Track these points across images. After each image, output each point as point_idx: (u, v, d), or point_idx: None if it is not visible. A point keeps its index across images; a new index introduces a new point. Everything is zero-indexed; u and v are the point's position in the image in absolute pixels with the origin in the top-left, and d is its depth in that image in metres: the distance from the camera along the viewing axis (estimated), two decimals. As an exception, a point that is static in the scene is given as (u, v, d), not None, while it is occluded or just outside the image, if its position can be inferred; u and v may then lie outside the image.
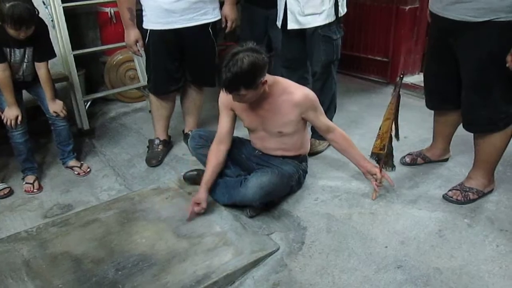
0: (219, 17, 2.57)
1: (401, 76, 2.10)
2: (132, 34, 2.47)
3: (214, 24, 2.57)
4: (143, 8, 2.46)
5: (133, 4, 2.44)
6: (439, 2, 1.97)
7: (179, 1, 2.35)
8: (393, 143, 2.27)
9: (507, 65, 1.80)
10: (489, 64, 1.88)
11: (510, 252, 1.83)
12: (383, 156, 2.19)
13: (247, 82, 1.83)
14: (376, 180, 2.17)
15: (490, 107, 1.97)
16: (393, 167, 2.32)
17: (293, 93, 2.03)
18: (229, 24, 2.64)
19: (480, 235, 1.94)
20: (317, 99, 2.10)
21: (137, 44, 2.50)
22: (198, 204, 2.06)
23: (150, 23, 2.45)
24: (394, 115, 2.15)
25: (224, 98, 2.07)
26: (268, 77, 1.94)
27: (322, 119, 2.14)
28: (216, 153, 2.15)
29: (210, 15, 2.49)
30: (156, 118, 2.79)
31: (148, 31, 2.46)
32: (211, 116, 3.12)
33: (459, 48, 1.98)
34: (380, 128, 2.20)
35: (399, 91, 2.11)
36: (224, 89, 1.87)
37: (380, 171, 2.16)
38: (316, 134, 2.61)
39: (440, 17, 1.99)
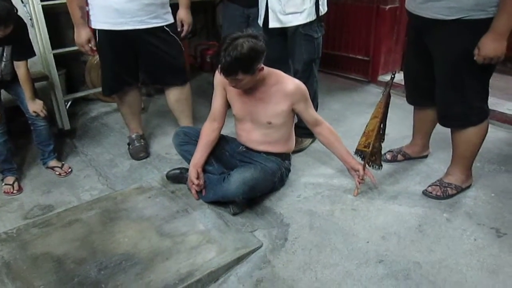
0: (170, 22, 2.48)
1: (393, 76, 2.12)
2: (83, 33, 2.40)
3: (172, 24, 2.50)
4: (89, 6, 2.38)
5: (84, 2, 2.38)
6: (413, 0, 2.02)
7: (131, 1, 2.28)
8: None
9: (474, 58, 1.86)
10: (461, 61, 1.93)
11: (488, 246, 1.87)
12: (368, 154, 2.19)
13: (245, 66, 1.87)
14: (359, 177, 2.19)
15: (464, 103, 2.02)
16: (380, 166, 2.30)
17: (286, 83, 2.09)
18: (185, 28, 2.58)
19: (458, 229, 1.98)
20: (307, 91, 2.14)
21: (90, 43, 2.43)
22: (193, 184, 2.16)
23: (98, 22, 2.37)
24: (382, 114, 2.15)
25: (220, 76, 2.05)
26: (264, 67, 2.00)
27: (311, 112, 2.19)
28: (208, 130, 2.21)
29: (161, 19, 2.42)
30: (124, 116, 2.78)
31: (97, 31, 2.40)
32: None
33: (432, 45, 2.03)
34: (366, 126, 2.22)
35: (389, 91, 2.12)
36: (221, 73, 1.90)
37: (364, 168, 2.18)
38: (299, 131, 2.64)
39: (415, 15, 2.04)
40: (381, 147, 2.27)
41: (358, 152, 2.25)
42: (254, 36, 1.87)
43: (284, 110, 2.11)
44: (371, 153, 2.20)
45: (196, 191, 2.19)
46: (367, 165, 2.23)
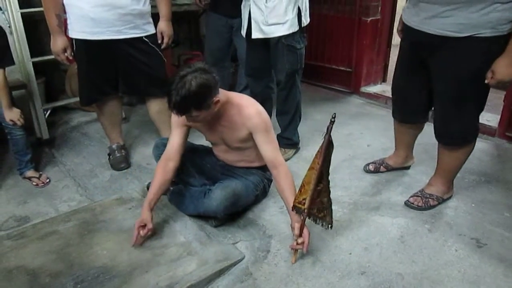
0: (150, 32, 2.43)
1: (333, 120, 1.78)
2: (59, 41, 2.35)
3: (153, 35, 2.45)
4: (67, 15, 2.34)
5: (61, 10, 2.33)
6: (416, 15, 1.94)
7: (108, 11, 2.22)
8: (364, 149, 2.18)
9: (486, 81, 1.81)
10: (469, 79, 1.87)
11: (468, 256, 1.88)
12: (303, 211, 1.79)
13: (197, 104, 1.77)
14: (295, 238, 1.82)
15: (464, 121, 1.99)
16: (330, 224, 1.86)
17: (245, 108, 1.94)
18: (165, 40, 2.53)
19: (439, 240, 1.99)
20: (270, 122, 1.97)
21: (66, 52, 2.39)
22: (143, 226, 1.91)
23: (75, 31, 2.32)
24: (321, 166, 1.75)
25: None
26: (221, 95, 1.85)
27: (270, 148, 1.95)
28: (164, 170, 2.03)
29: (139, 29, 2.36)
30: (104, 127, 2.74)
31: (74, 40, 2.36)
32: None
33: (435, 62, 1.95)
34: (304, 177, 1.82)
35: (329, 137, 1.77)
36: (173, 112, 1.81)
37: (301, 229, 1.80)
38: (282, 142, 2.64)
39: (416, 30, 1.95)
40: (331, 201, 1.85)
41: (294, 208, 1.83)
42: (203, 70, 1.75)
43: (245, 137, 1.98)
44: (318, 208, 1.82)
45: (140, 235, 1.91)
46: (319, 223, 1.86)
